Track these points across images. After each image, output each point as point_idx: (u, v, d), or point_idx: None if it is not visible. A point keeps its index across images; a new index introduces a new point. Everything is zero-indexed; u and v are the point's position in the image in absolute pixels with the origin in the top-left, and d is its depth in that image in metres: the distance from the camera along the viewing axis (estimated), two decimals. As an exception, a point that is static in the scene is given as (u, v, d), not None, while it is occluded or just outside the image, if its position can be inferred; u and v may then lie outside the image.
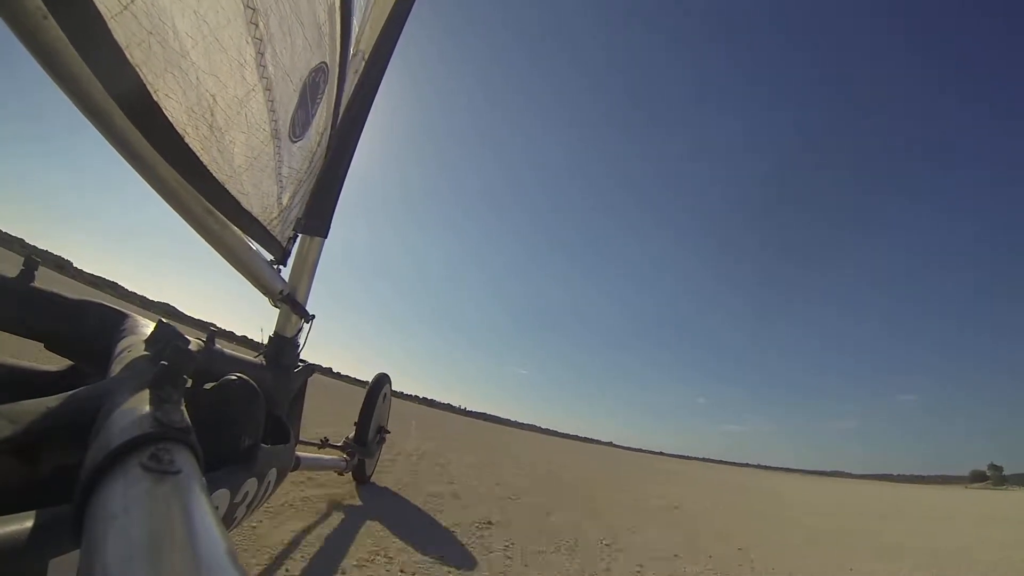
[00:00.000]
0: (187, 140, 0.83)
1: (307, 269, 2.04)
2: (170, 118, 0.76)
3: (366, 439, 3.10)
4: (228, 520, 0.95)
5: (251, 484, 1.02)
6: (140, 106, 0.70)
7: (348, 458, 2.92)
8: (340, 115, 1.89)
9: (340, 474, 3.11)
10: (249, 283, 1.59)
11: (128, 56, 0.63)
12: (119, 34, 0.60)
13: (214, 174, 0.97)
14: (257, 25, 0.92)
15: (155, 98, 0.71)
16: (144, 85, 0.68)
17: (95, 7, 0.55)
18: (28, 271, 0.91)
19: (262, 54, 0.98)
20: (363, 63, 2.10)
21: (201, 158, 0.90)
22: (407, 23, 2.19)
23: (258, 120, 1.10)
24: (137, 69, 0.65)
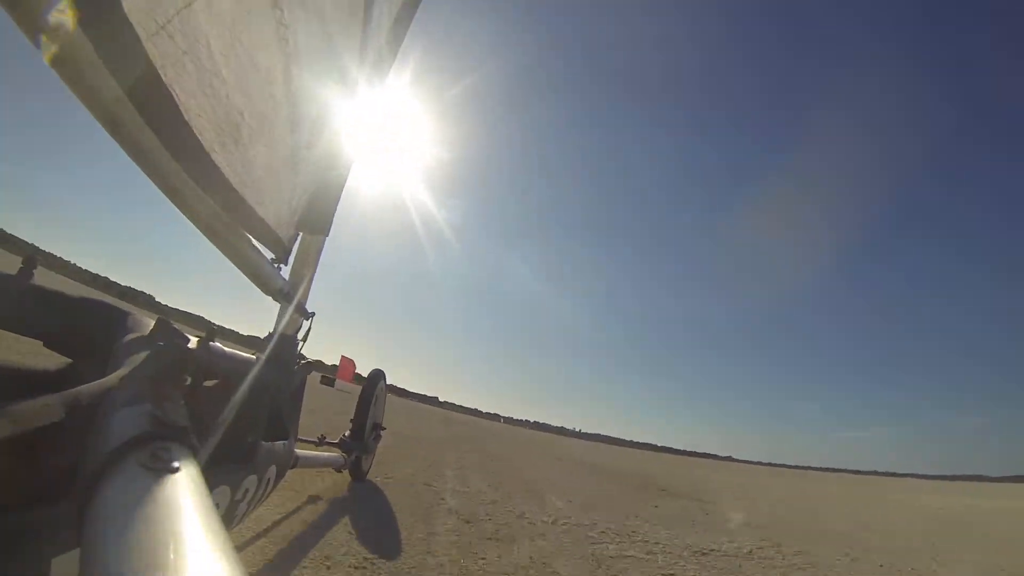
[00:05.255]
0: (213, 156, 0.84)
1: (308, 267, 2.05)
2: (199, 135, 0.77)
3: (363, 436, 3.12)
4: (229, 518, 0.96)
5: (251, 481, 1.02)
6: (170, 124, 0.70)
7: (346, 455, 2.93)
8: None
9: (338, 471, 3.13)
10: (251, 282, 1.60)
11: (162, 76, 0.63)
12: (154, 54, 0.60)
13: (236, 187, 0.99)
14: (287, 41, 0.93)
15: (186, 117, 0.72)
16: (176, 105, 0.68)
17: (132, 28, 0.56)
18: (27, 269, 0.91)
19: (289, 69, 1.00)
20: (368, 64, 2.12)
21: (224, 172, 0.91)
22: (413, 21, 2.21)
23: (281, 134, 1.12)
24: (170, 88, 0.66)
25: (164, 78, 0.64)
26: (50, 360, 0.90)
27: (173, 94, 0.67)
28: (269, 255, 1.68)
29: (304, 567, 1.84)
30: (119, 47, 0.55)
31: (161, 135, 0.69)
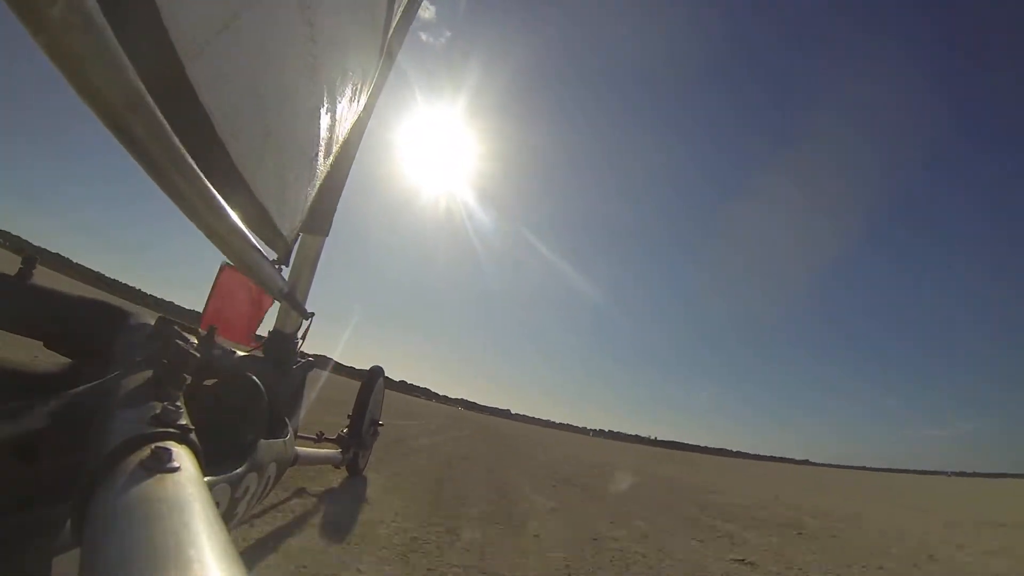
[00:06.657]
0: (243, 174, 0.85)
1: (308, 267, 2.08)
2: (231, 155, 0.78)
3: (361, 432, 3.15)
4: (229, 516, 0.96)
5: (251, 479, 1.03)
6: (203, 146, 0.70)
7: (344, 452, 2.96)
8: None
9: (336, 467, 3.15)
10: (253, 282, 1.62)
11: (200, 98, 0.64)
12: (194, 77, 0.61)
13: (260, 200, 1.01)
14: (316, 56, 0.95)
15: (221, 138, 0.73)
16: (213, 127, 0.69)
17: (174, 50, 0.56)
18: (27, 268, 0.91)
19: (316, 83, 1.01)
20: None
21: (252, 188, 0.93)
22: (414, 20, 2.23)
23: (305, 147, 1.15)
24: (207, 110, 0.67)
25: (202, 101, 0.65)
26: (50, 360, 0.90)
27: (210, 118, 0.68)
28: (271, 256, 1.70)
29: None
30: (158, 69, 0.55)
31: (190, 149, 0.70)
